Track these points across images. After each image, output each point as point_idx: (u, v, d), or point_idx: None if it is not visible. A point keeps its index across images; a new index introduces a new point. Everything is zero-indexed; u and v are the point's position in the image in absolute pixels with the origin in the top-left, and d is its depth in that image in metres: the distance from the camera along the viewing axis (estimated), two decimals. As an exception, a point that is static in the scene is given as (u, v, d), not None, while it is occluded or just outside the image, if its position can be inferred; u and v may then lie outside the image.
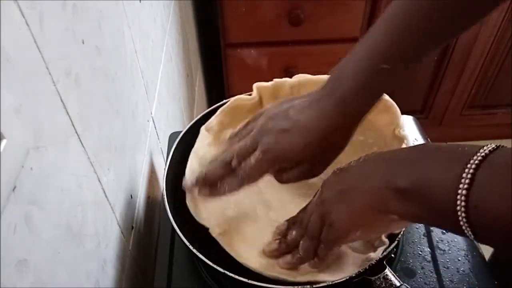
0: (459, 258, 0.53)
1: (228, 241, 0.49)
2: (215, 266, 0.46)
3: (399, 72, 0.44)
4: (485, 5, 0.43)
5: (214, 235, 0.49)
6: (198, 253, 0.46)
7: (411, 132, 0.70)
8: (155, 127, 0.73)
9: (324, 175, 0.48)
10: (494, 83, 1.55)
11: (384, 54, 0.44)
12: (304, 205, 0.49)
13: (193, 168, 0.55)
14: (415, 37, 0.43)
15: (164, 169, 0.55)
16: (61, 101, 0.36)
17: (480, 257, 0.54)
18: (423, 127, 0.71)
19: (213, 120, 0.60)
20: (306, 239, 0.45)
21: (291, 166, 0.48)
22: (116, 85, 0.53)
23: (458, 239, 0.55)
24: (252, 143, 0.48)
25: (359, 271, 0.44)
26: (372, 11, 1.30)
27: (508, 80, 1.53)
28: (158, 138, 0.76)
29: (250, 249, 0.49)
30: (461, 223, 0.31)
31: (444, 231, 0.56)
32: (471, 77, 1.52)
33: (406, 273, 0.52)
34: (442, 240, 0.55)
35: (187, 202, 0.51)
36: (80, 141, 0.40)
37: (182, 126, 0.97)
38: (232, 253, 0.48)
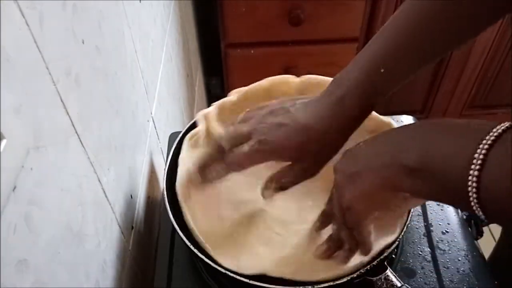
0: (459, 258, 0.53)
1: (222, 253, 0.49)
2: (215, 266, 0.46)
3: (398, 75, 0.45)
4: (494, 13, 0.43)
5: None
6: (198, 253, 0.46)
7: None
8: (155, 127, 0.73)
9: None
10: (494, 83, 1.55)
11: (383, 57, 0.44)
12: (298, 210, 0.49)
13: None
14: (416, 43, 0.44)
15: (164, 169, 0.55)
16: (61, 101, 0.36)
17: (480, 257, 0.54)
18: (423, 127, 0.71)
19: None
20: (343, 228, 0.45)
21: (283, 161, 0.48)
22: (116, 85, 0.53)
23: (458, 239, 0.55)
24: (248, 131, 0.47)
25: (360, 272, 0.44)
26: (372, 11, 1.30)
27: (508, 80, 1.53)
28: (158, 138, 0.76)
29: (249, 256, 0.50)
30: (472, 203, 0.31)
31: (444, 231, 0.56)
32: (471, 77, 1.52)
33: (406, 273, 0.52)
34: (442, 240, 0.55)
35: (184, 214, 0.51)
36: (80, 141, 0.40)
37: (182, 126, 0.97)
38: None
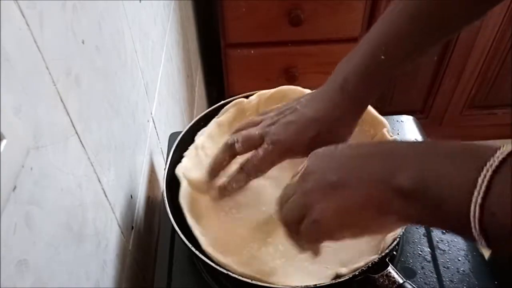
0: (459, 258, 0.53)
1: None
2: (215, 266, 0.46)
3: (398, 61, 0.45)
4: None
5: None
6: (198, 253, 0.46)
7: (411, 132, 0.70)
8: (155, 127, 0.73)
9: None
10: (494, 83, 1.55)
11: (384, 43, 0.44)
12: None
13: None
14: (417, 29, 0.44)
15: (164, 169, 0.55)
16: (61, 101, 0.36)
17: (480, 257, 0.54)
18: (423, 127, 0.71)
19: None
20: (294, 236, 0.40)
21: (298, 157, 0.48)
22: (116, 85, 0.53)
23: (458, 239, 0.55)
24: (260, 133, 0.48)
25: (362, 269, 0.44)
26: (372, 11, 1.30)
27: (508, 80, 1.53)
28: (158, 138, 0.76)
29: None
30: (473, 230, 0.28)
31: (444, 231, 0.56)
32: (471, 77, 1.52)
33: (406, 273, 0.52)
34: (442, 240, 0.55)
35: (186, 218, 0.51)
36: (80, 141, 0.40)
37: (182, 126, 0.97)
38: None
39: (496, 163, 0.27)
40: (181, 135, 0.59)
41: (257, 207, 0.55)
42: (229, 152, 0.51)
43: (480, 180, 0.28)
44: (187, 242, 0.47)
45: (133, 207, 0.58)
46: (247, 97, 0.63)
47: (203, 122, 0.62)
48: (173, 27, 0.97)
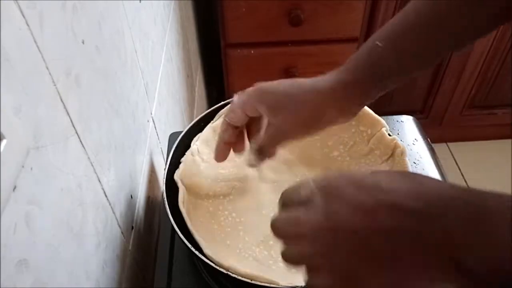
0: (459, 258, 0.53)
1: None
2: (215, 266, 0.46)
3: (393, 56, 0.45)
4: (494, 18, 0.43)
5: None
6: (198, 253, 0.46)
7: (411, 132, 0.70)
8: (155, 127, 0.73)
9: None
10: (494, 83, 1.55)
11: (383, 34, 0.45)
12: None
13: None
14: (422, 29, 0.44)
15: (164, 169, 0.55)
16: (61, 101, 0.36)
17: (480, 257, 0.54)
18: (423, 127, 0.71)
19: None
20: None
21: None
22: (116, 85, 0.53)
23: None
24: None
25: None
26: (372, 11, 1.30)
27: (508, 80, 1.53)
28: (158, 138, 0.76)
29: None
30: None
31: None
32: (471, 77, 1.52)
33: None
34: (442, 240, 0.55)
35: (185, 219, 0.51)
36: (80, 141, 0.40)
37: (182, 126, 0.97)
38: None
39: None
40: (181, 135, 0.59)
41: (257, 211, 0.55)
42: (226, 126, 0.52)
43: None
44: (187, 242, 0.47)
45: (133, 207, 0.58)
46: None
47: (203, 122, 0.62)
48: (173, 27, 0.97)
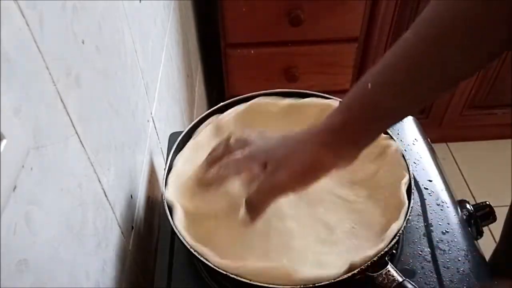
0: (459, 258, 0.53)
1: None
2: (214, 267, 0.46)
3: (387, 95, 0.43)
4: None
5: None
6: (197, 255, 0.46)
7: (411, 132, 0.70)
8: (155, 127, 0.73)
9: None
10: (494, 83, 1.55)
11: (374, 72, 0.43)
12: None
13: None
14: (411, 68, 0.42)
15: (164, 169, 0.55)
16: (61, 101, 0.36)
17: (480, 257, 0.54)
18: (423, 127, 0.71)
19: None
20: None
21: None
22: (116, 85, 0.53)
23: (458, 239, 0.55)
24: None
25: (361, 268, 0.44)
26: (372, 11, 1.30)
27: (508, 80, 1.52)
28: (158, 138, 0.76)
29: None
30: None
31: (444, 231, 0.56)
32: (471, 77, 1.52)
33: (406, 273, 0.51)
34: (442, 240, 0.55)
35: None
36: (80, 141, 0.40)
37: (182, 126, 0.97)
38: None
39: None
40: (181, 135, 0.59)
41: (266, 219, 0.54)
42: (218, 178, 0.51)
43: None
44: (186, 243, 0.47)
45: (133, 207, 0.58)
46: (240, 101, 0.63)
47: (203, 123, 0.62)
48: (173, 27, 0.97)
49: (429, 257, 0.53)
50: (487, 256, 0.57)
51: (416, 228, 0.56)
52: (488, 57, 0.41)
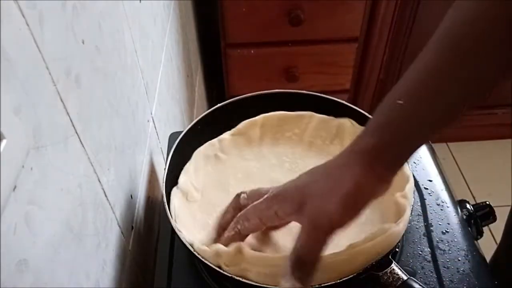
0: (459, 258, 0.53)
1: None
2: (214, 267, 0.46)
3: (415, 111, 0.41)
4: None
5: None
6: (197, 254, 0.46)
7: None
8: (155, 127, 0.73)
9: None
10: (494, 83, 1.55)
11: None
12: None
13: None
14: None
15: (164, 169, 0.55)
16: (61, 101, 0.36)
17: (480, 257, 0.54)
18: (423, 127, 0.71)
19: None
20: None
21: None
22: (116, 85, 0.53)
23: (458, 239, 0.55)
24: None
25: (365, 267, 0.44)
26: (372, 11, 1.30)
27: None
28: (158, 138, 0.76)
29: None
30: None
31: (444, 231, 0.56)
32: (471, 77, 1.52)
33: (406, 273, 0.51)
34: (442, 240, 0.55)
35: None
36: (80, 141, 0.40)
37: (182, 126, 0.97)
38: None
39: None
40: (181, 135, 0.59)
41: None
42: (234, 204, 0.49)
43: None
44: (186, 243, 0.47)
45: (133, 207, 0.58)
46: (241, 100, 0.63)
47: (203, 123, 0.61)
48: (173, 27, 0.97)
49: (429, 257, 0.53)
50: (487, 256, 0.57)
51: (416, 228, 0.56)
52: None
